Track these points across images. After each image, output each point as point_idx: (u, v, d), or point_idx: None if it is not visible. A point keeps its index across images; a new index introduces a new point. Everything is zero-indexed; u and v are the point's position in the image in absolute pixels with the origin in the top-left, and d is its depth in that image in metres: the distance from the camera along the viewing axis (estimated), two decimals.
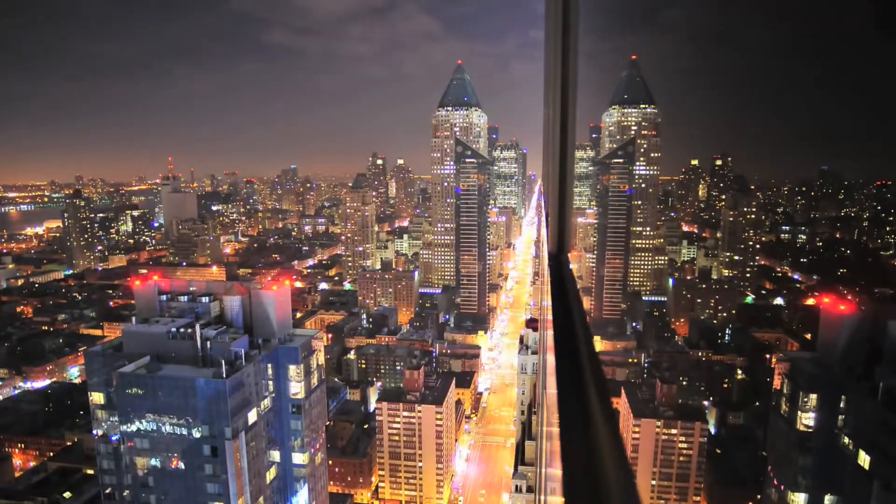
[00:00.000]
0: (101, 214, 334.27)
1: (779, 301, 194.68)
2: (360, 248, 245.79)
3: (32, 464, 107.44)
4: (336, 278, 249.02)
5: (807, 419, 61.73)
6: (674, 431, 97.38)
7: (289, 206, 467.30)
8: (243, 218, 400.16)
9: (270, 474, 63.56)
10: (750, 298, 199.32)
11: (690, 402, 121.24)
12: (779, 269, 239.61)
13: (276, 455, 64.69)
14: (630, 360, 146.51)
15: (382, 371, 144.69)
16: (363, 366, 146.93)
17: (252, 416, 59.46)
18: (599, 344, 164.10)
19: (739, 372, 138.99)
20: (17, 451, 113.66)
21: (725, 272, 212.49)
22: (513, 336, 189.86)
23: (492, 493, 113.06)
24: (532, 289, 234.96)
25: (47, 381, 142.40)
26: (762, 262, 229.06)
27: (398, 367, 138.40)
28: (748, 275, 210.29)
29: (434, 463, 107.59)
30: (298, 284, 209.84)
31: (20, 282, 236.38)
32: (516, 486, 63.16)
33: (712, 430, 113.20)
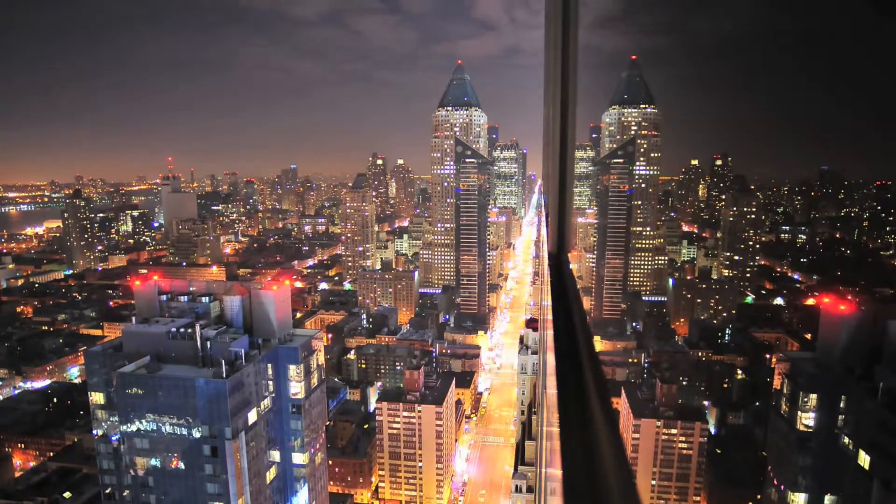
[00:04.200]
0: (101, 214, 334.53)
1: (779, 301, 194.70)
2: (360, 248, 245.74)
3: (32, 464, 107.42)
4: (336, 278, 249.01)
5: (807, 419, 61.73)
6: (674, 431, 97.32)
7: (289, 206, 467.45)
8: (243, 218, 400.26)
9: (270, 474, 63.56)
10: (750, 298, 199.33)
11: (690, 402, 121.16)
12: (779, 269, 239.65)
13: (276, 455, 64.70)
14: (630, 360, 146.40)
15: (382, 371, 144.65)
16: (363, 366, 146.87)
17: (252, 416, 59.47)
18: (599, 344, 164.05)
19: (739, 372, 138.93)
20: (17, 451, 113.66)
21: (725, 272, 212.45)
22: (513, 336, 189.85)
23: (492, 493, 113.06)
24: (532, 289, 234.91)
25: (47, 381, 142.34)
26: (762, 262, 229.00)
27: (398, 367, 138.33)
28: (748, 275, 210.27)
29: (434, 463, 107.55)
30: (298, 284, 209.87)
31: (20, 282, 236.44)
32: (516, 486, 63.19)
33: (712, 430, 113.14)
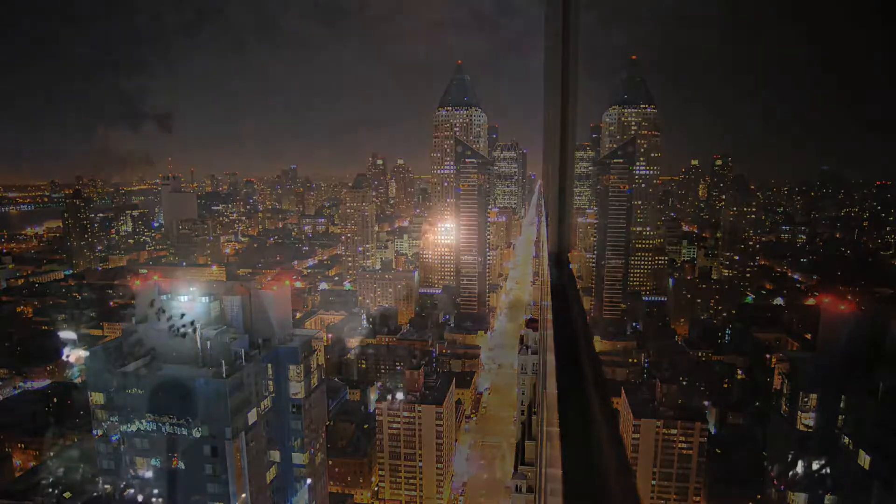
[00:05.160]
0: (101, 214, 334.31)
1: (779, 301, 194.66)
2: (360, 248, 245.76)
3: (32, 464, 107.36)
4: (336, 278, 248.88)
5: (807, 419, 61.77)
6: (674, 431, 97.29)
7: (289, 206, 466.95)
8: (243, 218, 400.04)
9: (270, 474, 63.54)
10: (750, 298, 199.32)
11: (690, 402, 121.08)
12: (779, 269, 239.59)
13: (276, 455, 64.68)
14: (630, 360, 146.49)
15: (382, 371, 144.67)
16: (363, 366, 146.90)
17: (252, 416, 59.44)
18: (599, 344, 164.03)
19: (739, 372, 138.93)
20: (17, 451, 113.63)
21: (725, 272, 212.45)
22: (513, 336, 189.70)
23: (492, 494, 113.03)
24: (532, 289, 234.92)
25: (47, 381, 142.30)
26: (762, 262, 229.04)
27: (398, 367, 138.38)
28: (748, 275, 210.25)
29: (434, 463, 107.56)
30: (298, 284, 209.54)
31: (20, 282, 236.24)
32: (516, 486, 63.09)
33: (712, 430, 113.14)
